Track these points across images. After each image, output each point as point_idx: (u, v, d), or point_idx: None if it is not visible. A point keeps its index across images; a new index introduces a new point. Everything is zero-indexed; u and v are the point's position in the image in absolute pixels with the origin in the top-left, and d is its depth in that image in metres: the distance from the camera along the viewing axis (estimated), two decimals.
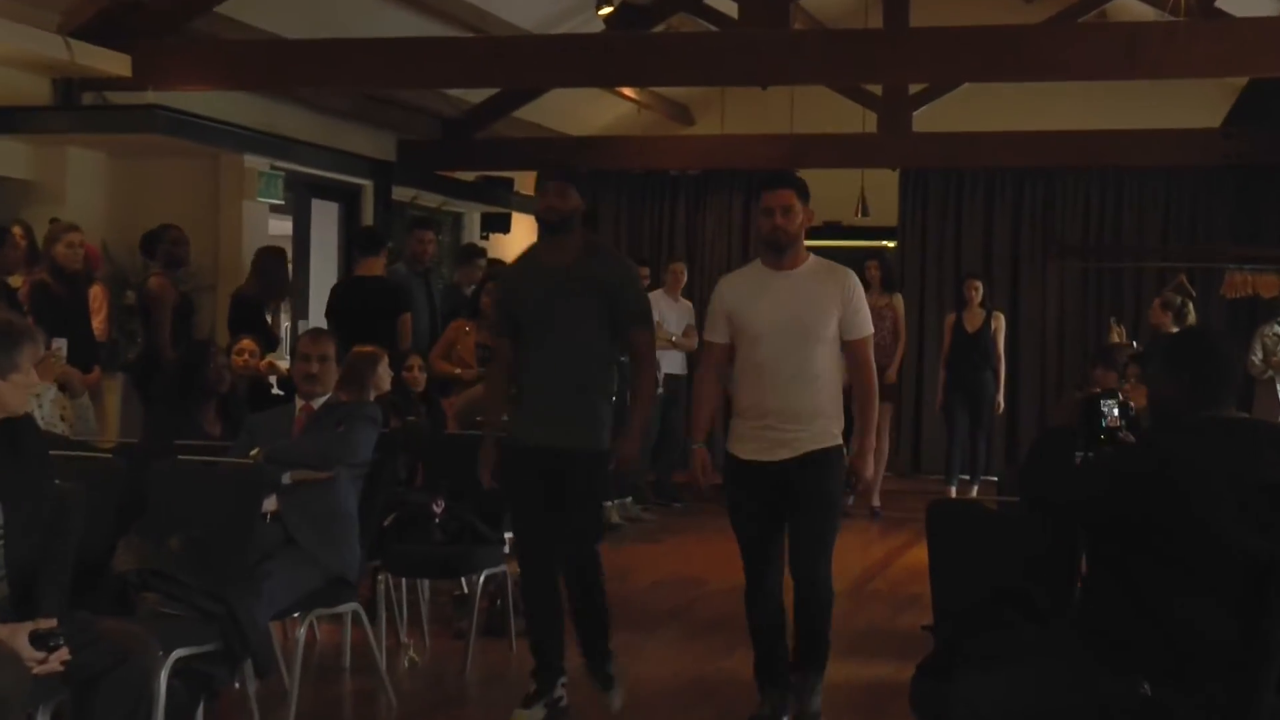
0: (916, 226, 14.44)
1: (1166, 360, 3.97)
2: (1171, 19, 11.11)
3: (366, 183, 12.39)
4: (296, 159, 10.94)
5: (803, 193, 5.66)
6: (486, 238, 14.14)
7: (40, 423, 5.69)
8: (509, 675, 6.52)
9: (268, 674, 5.26)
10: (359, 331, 8.02)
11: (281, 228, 11.80)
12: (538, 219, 5.91)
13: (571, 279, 5.73)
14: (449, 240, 13.73)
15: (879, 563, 9.84)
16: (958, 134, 12.79)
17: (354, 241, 10.30)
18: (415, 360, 8.37)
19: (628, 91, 14.02)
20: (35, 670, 4.06)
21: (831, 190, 12.42)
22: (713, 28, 12.47)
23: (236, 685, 5.34)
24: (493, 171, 13.74)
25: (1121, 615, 3.76)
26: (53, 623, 4.13)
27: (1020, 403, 13.81)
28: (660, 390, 11.00)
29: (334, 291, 9.84)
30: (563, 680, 5.86)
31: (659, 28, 12.84)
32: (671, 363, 11.60)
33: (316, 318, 11.19)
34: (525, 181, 13.01)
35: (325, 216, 12.36)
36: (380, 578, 6.78)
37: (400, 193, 12.91)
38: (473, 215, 14.47)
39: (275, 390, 8.72)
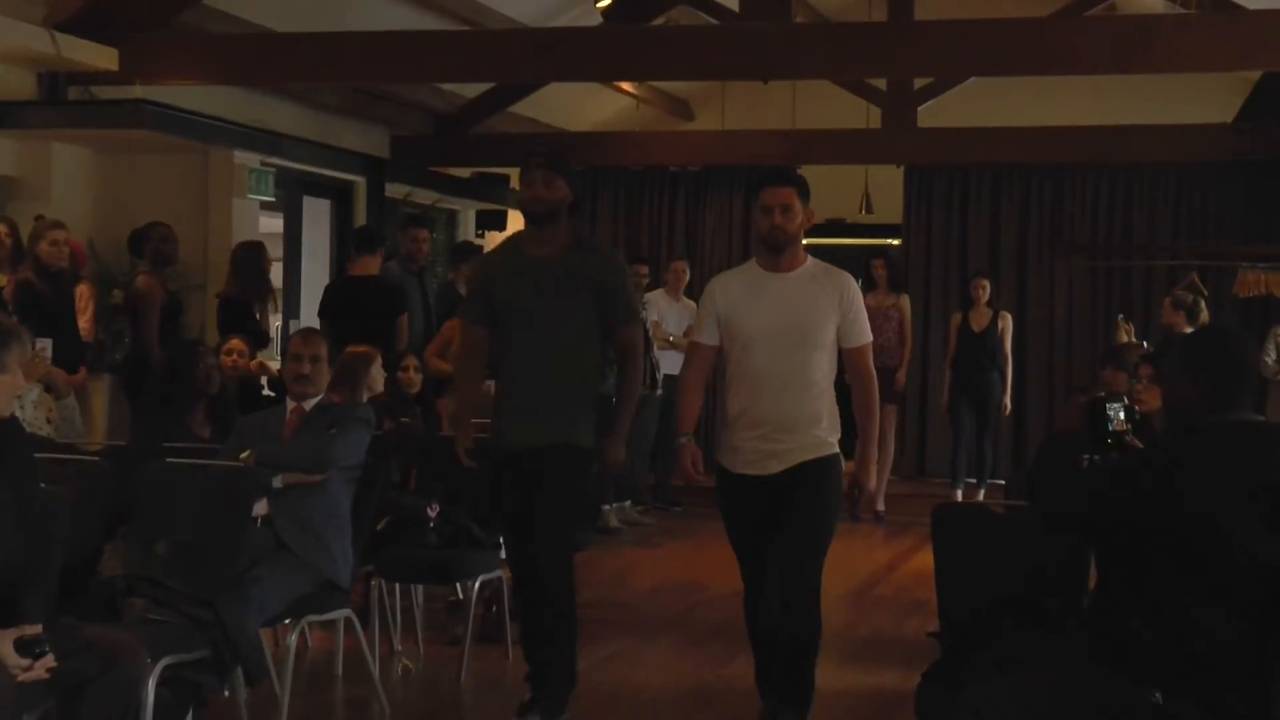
0: (921, 224, 14.42)
1: (1183, 360, 3.94)
2: (1183, 11, 11.10)
3: (359, 179, 12.39)
4: (287, 155, 10.93)
5: (803, 191, 5.55)
6: (482, 235, 14.13)
7: (24, 425, 5.68)
8: (505, 683, 6.51)
9: (258, 682, 5.25)
10: (354, 332, 8.03)
11: (272, 225, 11.80)
12: (523, 210, 5.77)
13: (558, 273, 5.63)
14: (443, 238, 13.73)
15: (883, 568, 9.84)
16: (964, 130, 12.80)
17: (351, 240, 10.30)
18: (411, 361, 8.38)
19: (626, 86, 14.02)
20: (20, 678, 4.06)
21: (834, 187, 12.44)
22: (713, 20, 12.47)
23: (226, 693, 5.32)
24: (488, 168, 13.73)
25: (1133, 623, 3.75)
26: (38, 629, 4.13)
27: (1027, 404, 13.81)
28: (659, 392, 11.00)
29: (328, 291, 9.84)
30: None
31: (658, 20, 12.85)
32: (671, 363, 11.58)
33: (308, 317, 11.19)
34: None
35: (317, 214, 12.36)
36: (373, 583, 6.78)
37: (393, 189, 12.91)
38: (467, 213, 14.46)
39: (266, 391, 8.72)
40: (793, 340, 5.46)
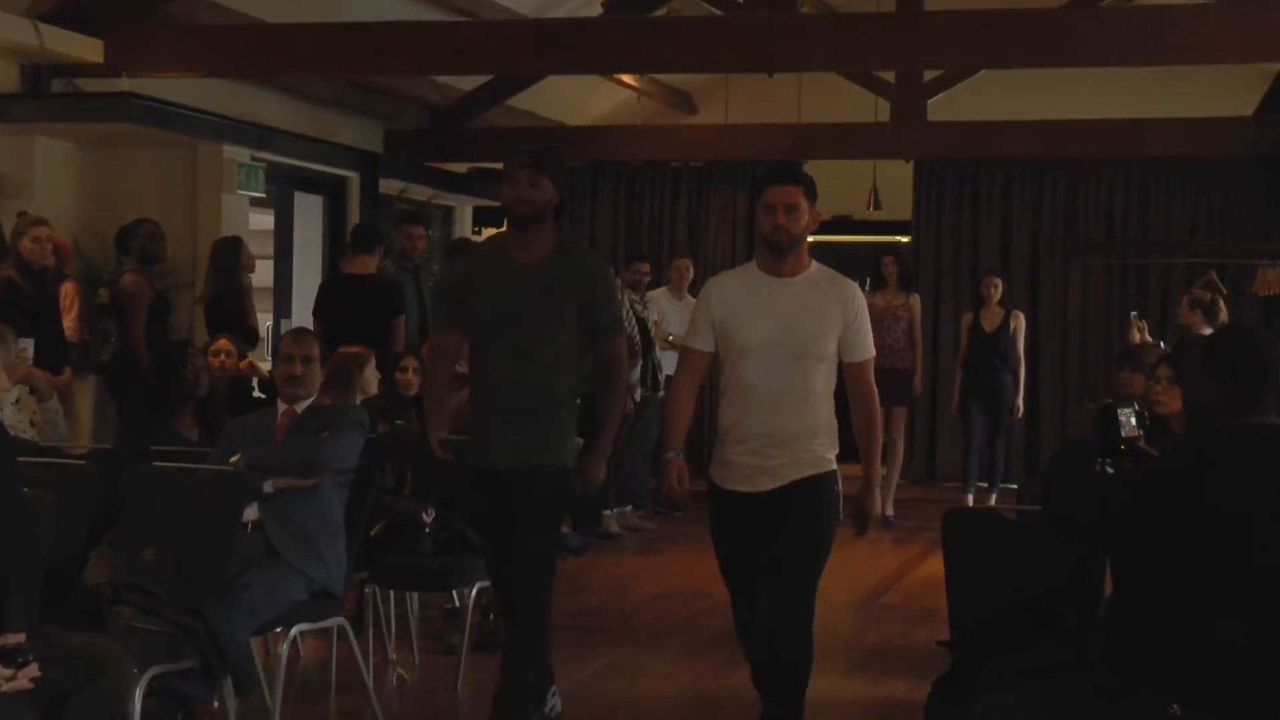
0: (931, 221, 14.42)
1: (1203, 361, 3.91)
2: (1201, 0, 11.10)
3: (352, 175, 12.39)
4: (278, 150, 10.93)
5: (810, 191, 5.33)
6: (479, 232, 14.14)
7: (6, 428, 5.68)
8: None
9: (248, 692, 5.25)
10: (350, 332, 8.03)
11: (263, 222, 11.80)
12: (506, 210, 5.57)
13: (543, 280, 5.47)
14: (439, 235, 13.72)
15: (892, 575, 9.84)
16: (975, 123, 12.79)
17: (351, 237, 10.30)
18: (410, 362, 8.32)
19: (627, 79, 14.01)
20: (2, 688, 4.06)
21: (842, 183, 12.45)
22: (717, 11, 12.45)
23: (215, 704, 5.33)
24: (485, 163, 13.73)
25: (1151, 633, 3.74)
26: (21, 638, 4.13)
27: (1041, 406, 13.81)
28: (662, 393, 10.99)
29: (322, 290, 9.83)
30: (552, 690, 5.82)
31: (660, 11, 12.84)
32: (673, 364, 11.55)
33: (300, 316, 11.19)
34: None
35: (309, 210, 12.36)
36: (367, 590, 6.78)
37: (388, 185, 12.91)
38: (464, 209, 14.47)
39: (257, 393, 8.72)
40: (792, 351, 5.28)
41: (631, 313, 10.70)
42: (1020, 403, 12.23)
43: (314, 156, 11.69)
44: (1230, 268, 12.88)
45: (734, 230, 14.66)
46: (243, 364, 8.50)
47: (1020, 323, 12.19)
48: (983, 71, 12.29)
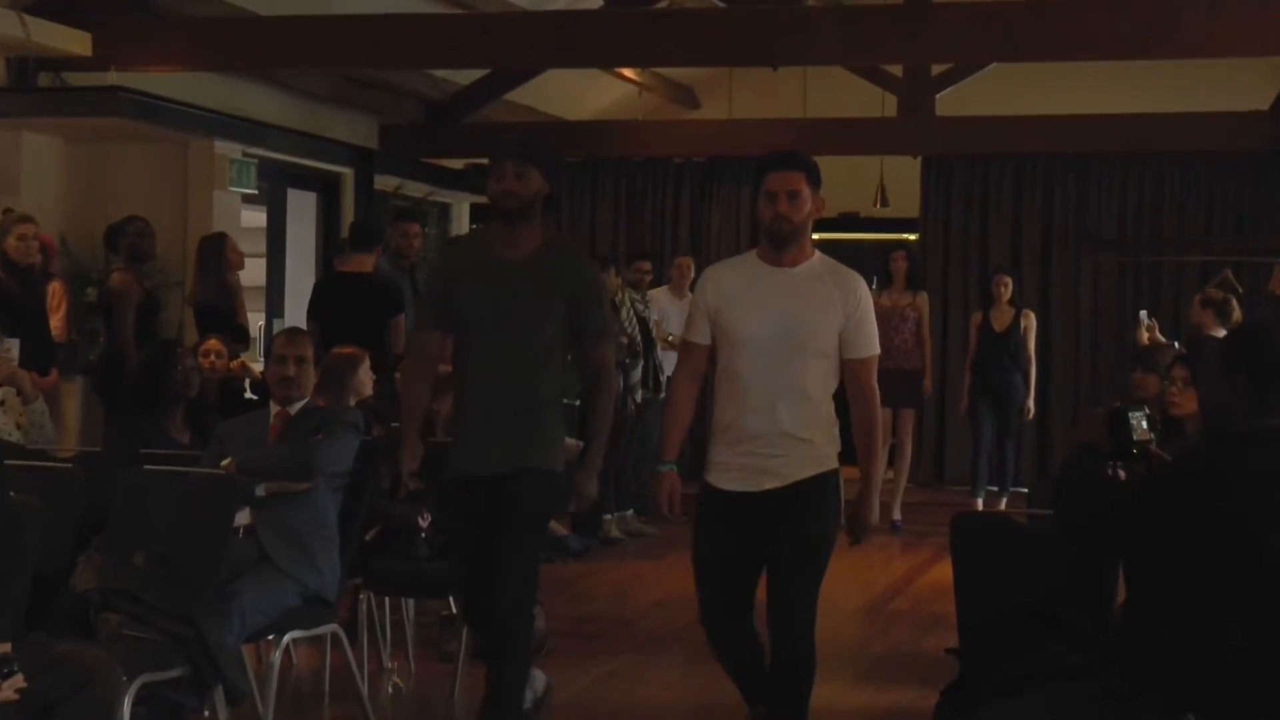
0: (940, 218, 14.42)
1: (1218, 362, 3.91)
2: None
3: (346, 171, 12.39)
4: (271, 145, 10.94)
5: (813, 177, 5.22)
6: (476, 230, 14.15)
7: None
8: None
9: (239, 701, 5.24)
10: (346, 332, 8.02)
11: (255, 219, 11.80)
12: (492, 204, 5.44)
13: (530, 278, 5.38)
14: (435, 233, 13.73)
15: (900, 580, 9.83)
16: (984, 118, 12.79)
17: (350, 234, 10.28)
18: None
19: (628, 72, 14.02)
20: None
21: (848, 179, 12.43)
22: (720, 3, 12.47)
23: (206, 714, 5.32)
24: (482, 159, 13.72)
25: (1165, 641, 3.74)
26: (6, 647, 4.13)
27: (1052, 408, 13.80)
28: (661, 395, 10.99)
29: (317, 289, 9.81)
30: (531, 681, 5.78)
31: (662, 3, 12.85)
32: (673, 365, 11.56)
33: (293, 316, 11.19)
34: None
35: (302, 207, 12.37)
36: (361, 596, 6.77)
37: (383, 182, 12.92)
38: (461, 206, 14.47)
39: (249, 395, 8.71)
40: (786, 346, 5.13)
41: (633, 312, 10.70)
42: (1031, 404, 12.22)
43: (307, 152, 11.69)
44: (1246, 265, 12.87)
45: (737, 228, 14.65)
46: (234, 364, 8.49)
47: (1031, 322, 12.18)
48: (992, 65, 12.30)
